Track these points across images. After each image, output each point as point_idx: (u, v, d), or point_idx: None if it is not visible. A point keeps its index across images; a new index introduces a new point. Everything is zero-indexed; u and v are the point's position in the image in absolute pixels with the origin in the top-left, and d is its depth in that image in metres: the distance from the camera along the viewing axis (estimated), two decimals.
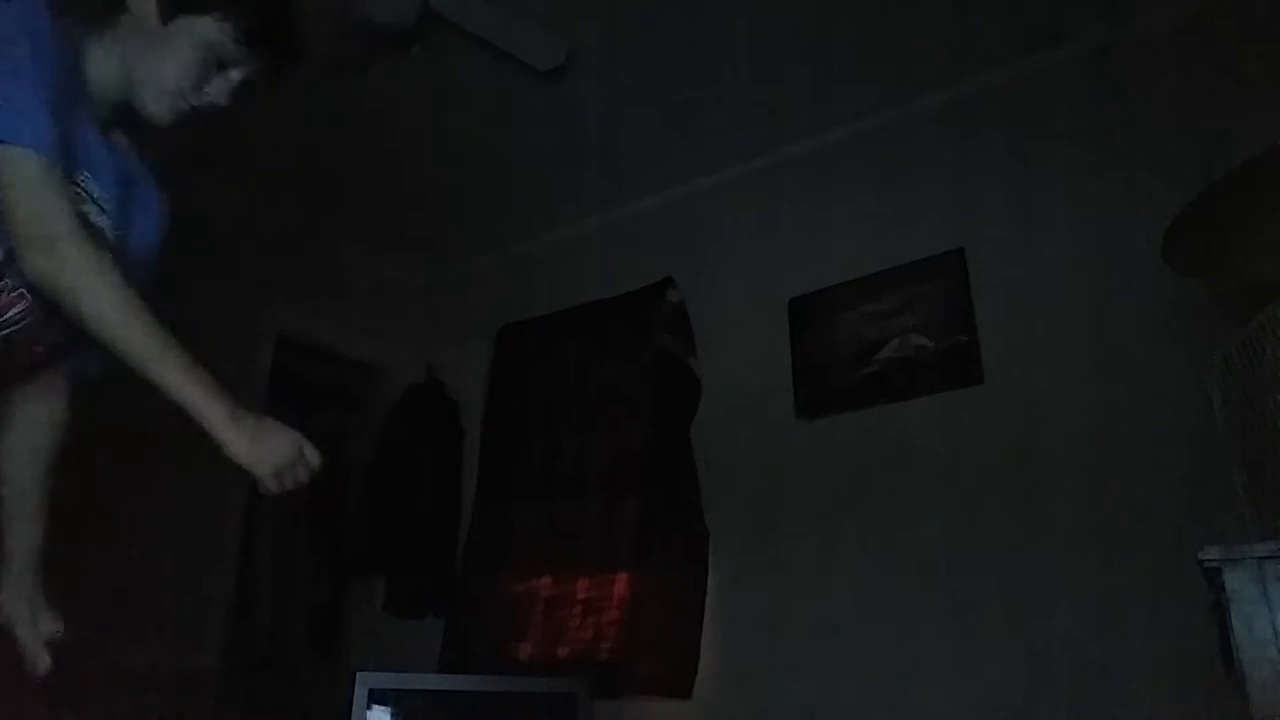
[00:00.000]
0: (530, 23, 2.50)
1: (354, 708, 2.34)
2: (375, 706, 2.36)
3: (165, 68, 1.31)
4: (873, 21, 2.67)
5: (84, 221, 1.21)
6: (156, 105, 1.35)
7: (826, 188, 3.15)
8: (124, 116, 1.40)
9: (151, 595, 2.95)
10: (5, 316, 1.23)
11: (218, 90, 1.40)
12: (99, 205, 1.32)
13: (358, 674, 2.40)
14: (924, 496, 2.60)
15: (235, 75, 1.40)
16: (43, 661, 1.40)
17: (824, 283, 3.01)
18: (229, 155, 3.35)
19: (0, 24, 1.15)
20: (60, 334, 1.31)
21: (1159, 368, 2.34)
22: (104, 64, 1.31)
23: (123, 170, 1.42)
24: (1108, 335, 2.46)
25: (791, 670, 2.66)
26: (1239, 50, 2.44)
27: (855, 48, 2.79)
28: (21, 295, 1.23)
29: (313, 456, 1.23)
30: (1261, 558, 1.16)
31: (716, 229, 3.39)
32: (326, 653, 3.83)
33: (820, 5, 2.61)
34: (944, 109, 2.97)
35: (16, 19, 1.16)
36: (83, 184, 1.27)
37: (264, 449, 1.18)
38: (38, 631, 1.41)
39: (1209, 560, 1.20)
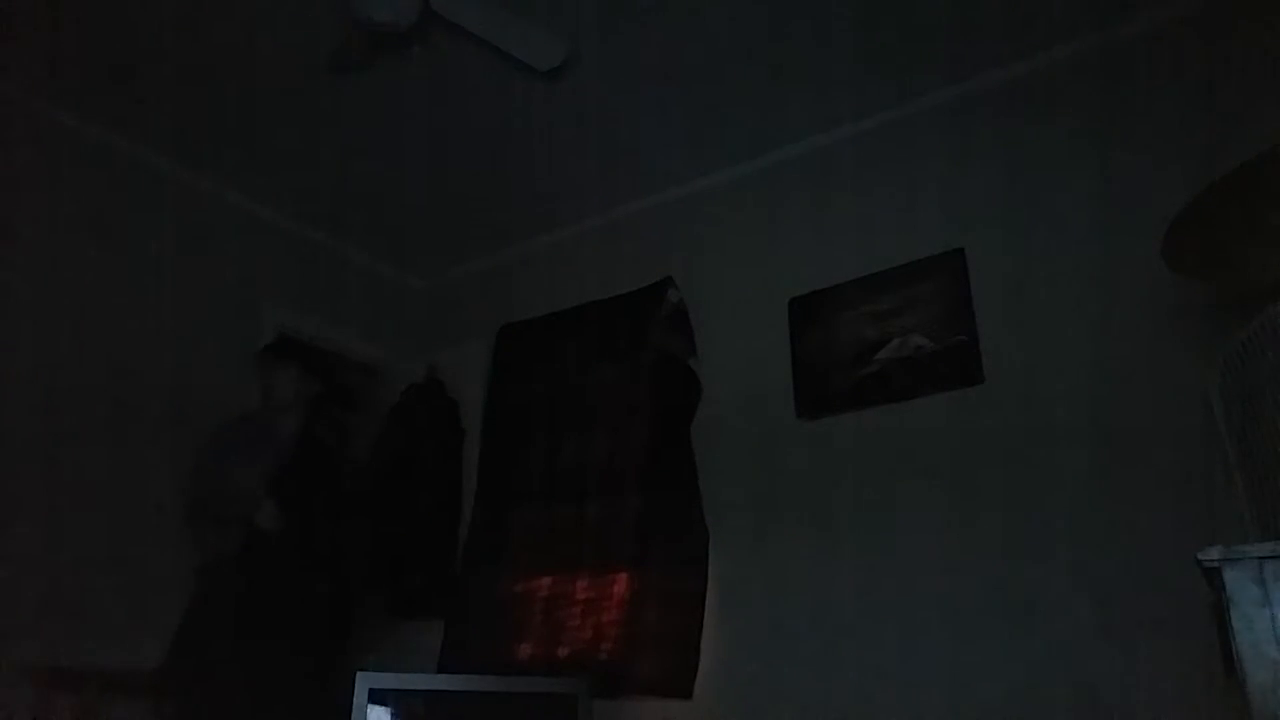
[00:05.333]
0: (530, 23, 2.50)
1: (354, 708, 2.34)
2: (375, 706, 2.36)
3: None
4: (873, 21, 2.67)
5: None
6: None
7: (826, 188, 3.15)
8: None
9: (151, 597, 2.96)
10: None
11: None
12: None
13: (358, 674, 2.40)
14: (924, 496, 2.60)
15: None
16: None
17: (824, 283, 3.01)
18: (229, 155, 3.36)
19: None
20: None
21: (1159, 368, 2.34)
22: None
23: None
24: (1108, 335, 2.46)
25: (791, 670, 2.66)
26: (1239, 50, 2.44)
27: (855, 48, 2.79)
28: None
29: None
30: (1261, 558, 1.16)
31: (716, 229, 3.39)
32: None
33: (820, 5, 2.61)
34: (944, 109, 2.97)
35: None
36: None
37: None
38: None
39: (1209, 560, 1.20)
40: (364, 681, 2.36)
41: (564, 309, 3.68)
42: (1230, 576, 1.18)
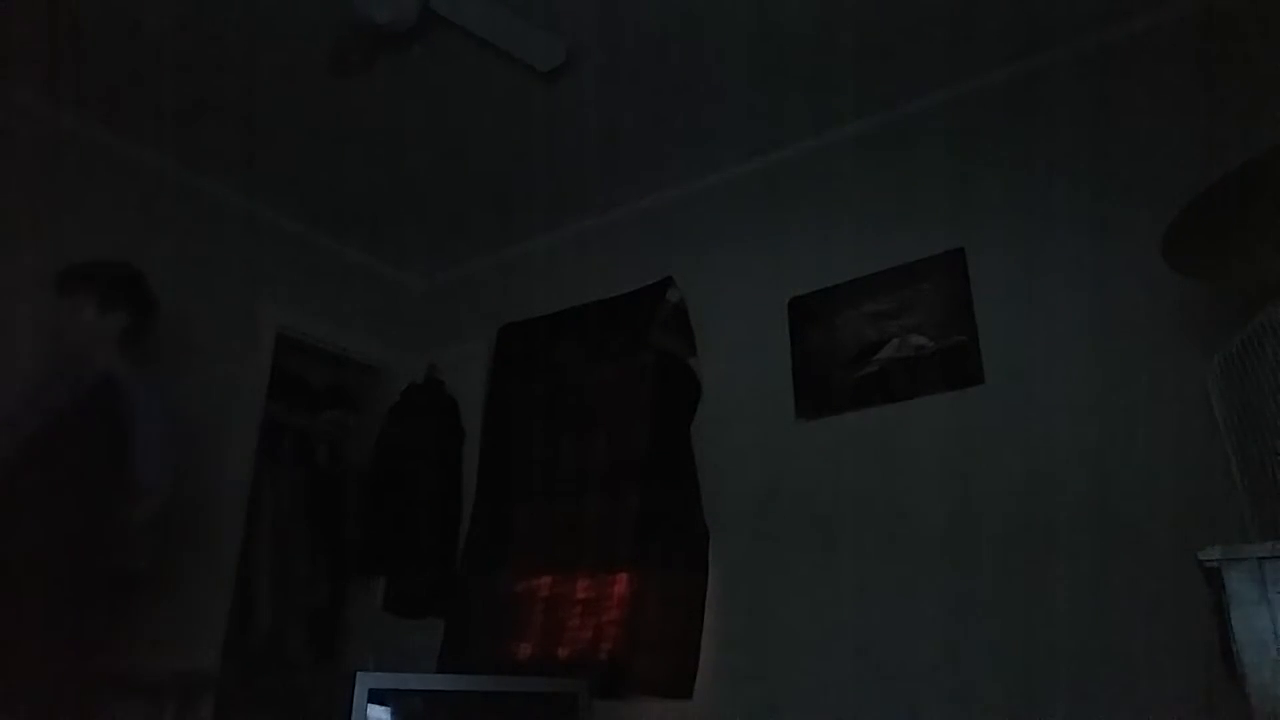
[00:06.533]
0: (530, 23, 2.50)
1: (354, 708, 2.33)
2: (375, 706, 2.36)
3: None
4: (873, 21, 2.67)
5: None
6: None
7: (826, 188, 3.15)
8: None
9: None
10: None
11: None
12: None
13: (358, 674, 2.39)
14: (923, 497, 2.60)
15: None
16: None
17: (824, 283, 3.01)
18: (229, 155, 3.36)
19: None
20: None
21: (1159, 368, 2.34)
22: None
23: None
24: (1108, 335, 2.46)
25: (791, 670, 2.66)
26: (1239, 50, 2.44)
27: (855, 48, 2.79)
28: None
29: None
30: (1261, 558, 1.16)
31: (716, 229, 3.39)
32: (326, 653, 3.83)
33: (820, 6, 2.61)
34: (944, 109, 2.97)
35: None
36: None
37: None
38: None
39: (1209, 560, 1.20)
40: (364, 681, 2.36)
41: (564, 309, 3.68)
42: (1230, 576, 1.18)
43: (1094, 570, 2.28)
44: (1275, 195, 1.56)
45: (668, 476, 3.09)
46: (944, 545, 2.53)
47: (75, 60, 2.85)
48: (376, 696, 2.36)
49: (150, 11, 2.65)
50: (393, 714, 2.39)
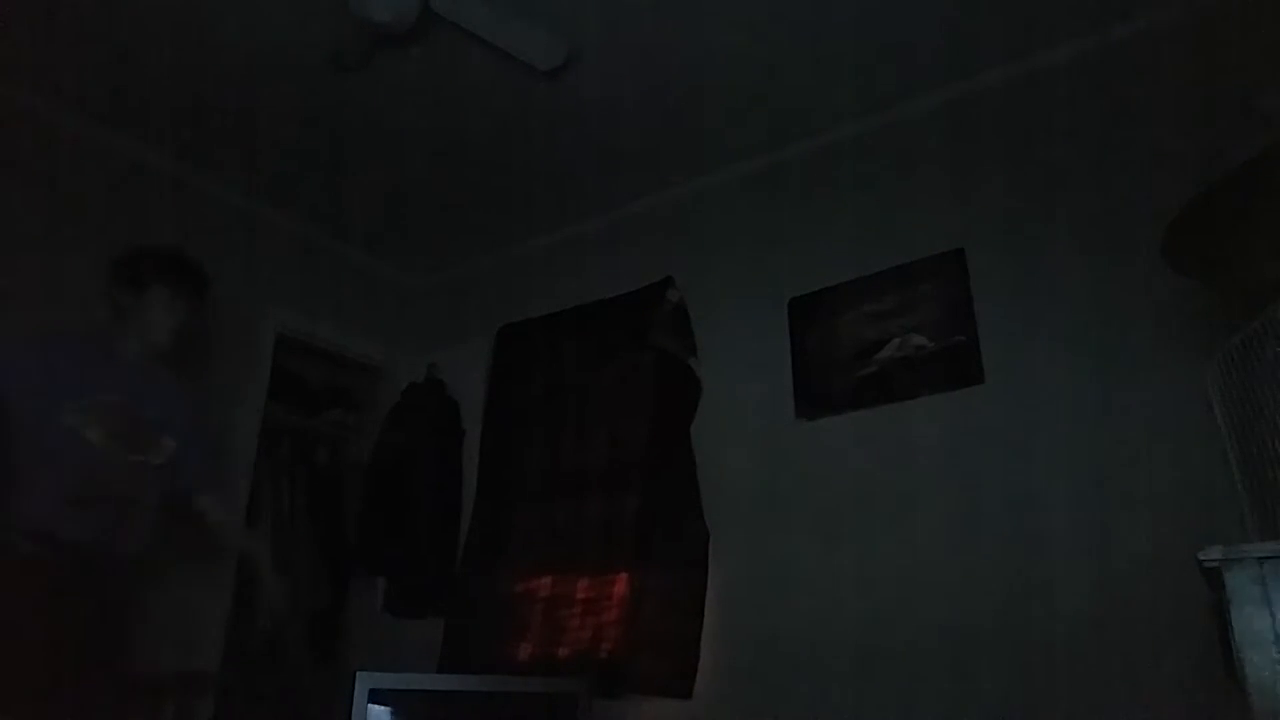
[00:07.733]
0: (530, 23, 2.50)
1: (354, 708, 2.33)
2: (375, 706, 2.36)
3: None
4: (872, 21, 2.67)
5: None
6: None
7: (826, 188, 3.15)
8: None
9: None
10: None
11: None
12: None
13: (358, 674, 2.39)
14: (924, 496, 2.60)
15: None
16: None
17: (824, 283, 3.01)
18: (230, 154, 3.36)
19: None
20: None
21: (1159, 368, 2.34)
22: None
23: None
24: (1108, 335, 2.46)
25: (791, 670, 2.66)
26: (1239, 50, 2.44)
27: (855, 48, 2.79)
28: None
29: None
30: (1261, 558, 1.16)
31: (716, 229, 3.39)
32: (326, 653, 3.83)
33: (820, 5, 2.61)
34: (944, 109, 2.97)
35: None
36: None
37: None
38: None
39: (1209, 560, 1.20)
40: (364, 681, 2.36)
41: (564, 309, 3.68)
42: (1230, 576, 1.18)
43: (1094, 570, 2.28)
44: (1275, 195, 1.56)
45: (668, 476, 3.09)
46: (944, 545, 2.53)
47: (75, 60, 2.85)
48: (376, 696, 2.36)
49: (150, 12, 2.65)
50: (393, 714, 2.39)
